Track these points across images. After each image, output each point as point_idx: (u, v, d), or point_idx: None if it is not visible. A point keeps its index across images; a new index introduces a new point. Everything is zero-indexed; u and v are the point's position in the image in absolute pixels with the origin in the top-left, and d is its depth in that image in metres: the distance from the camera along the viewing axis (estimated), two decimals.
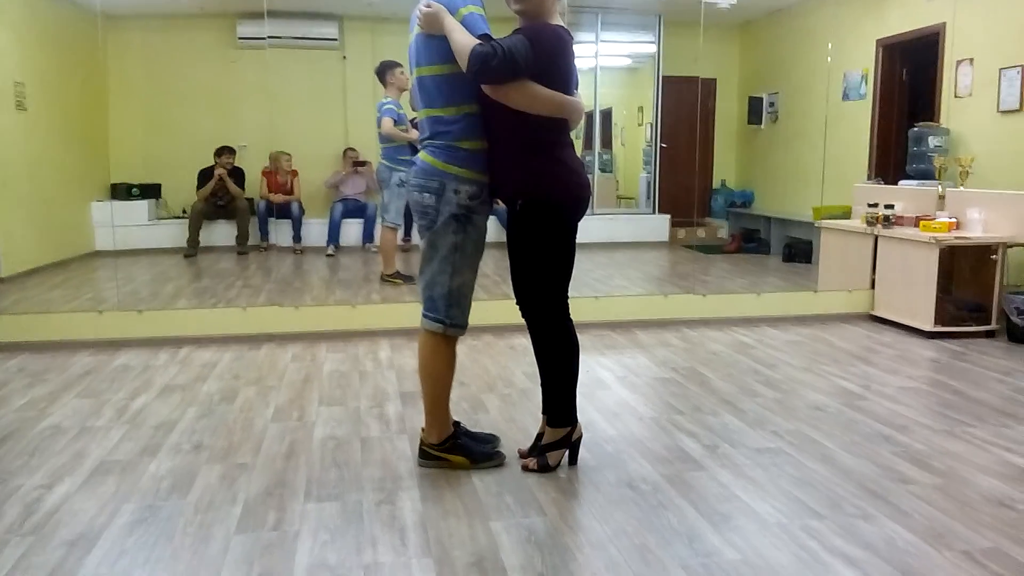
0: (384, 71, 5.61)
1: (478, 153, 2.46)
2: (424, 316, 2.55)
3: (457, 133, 2.44)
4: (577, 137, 8.94)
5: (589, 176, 8.50)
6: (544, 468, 2.60)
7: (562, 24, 2.45)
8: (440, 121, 2.46)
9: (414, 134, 5.61)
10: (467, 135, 2.44)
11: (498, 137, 2.46)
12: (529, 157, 2.44)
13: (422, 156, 2.50)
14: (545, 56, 2.34)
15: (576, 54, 2.49)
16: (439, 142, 2.46)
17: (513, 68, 2.28)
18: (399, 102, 5.58)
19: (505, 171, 2.47)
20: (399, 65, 5.58)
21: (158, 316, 4.45)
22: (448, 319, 2.52)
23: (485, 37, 2.32)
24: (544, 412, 2.66)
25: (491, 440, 2.81)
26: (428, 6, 2.37)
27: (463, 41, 2.30)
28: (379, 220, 5.99)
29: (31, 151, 6.19)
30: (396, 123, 5.50)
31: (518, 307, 2.60)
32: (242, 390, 3.52)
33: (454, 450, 2.64)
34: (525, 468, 2.62)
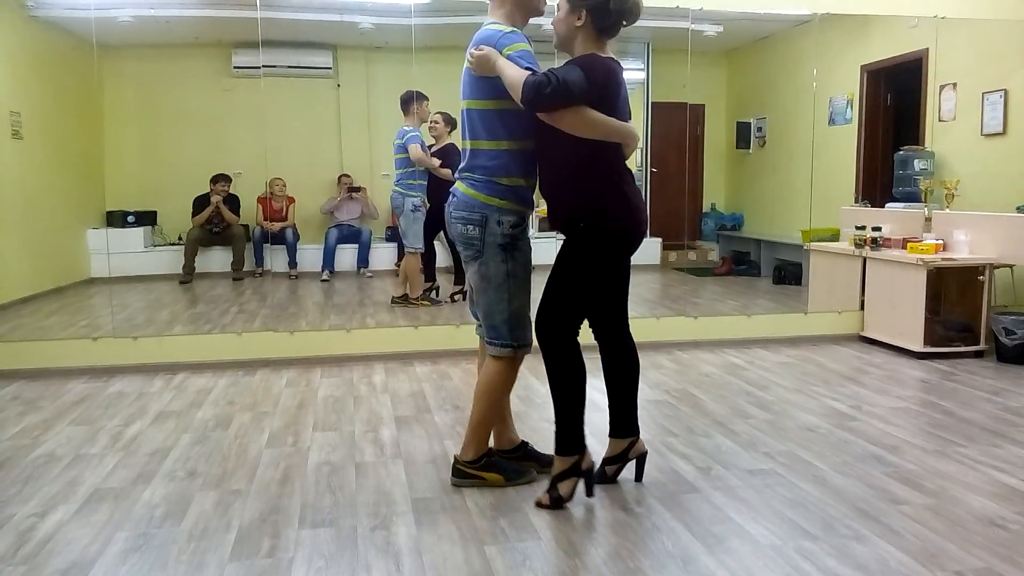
0: (410, 101, 5.75)
1: (516, 188, 2.53)
2: (490, 343, 2.60)
3: (496, 168, 2.51)
4: None
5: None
6: (557, 502, 2.52)
7: (612, 56, 2.52)
8: (481, 155, 2.53)
9: (436, 161, 5.71)
10: (506, 171, 2.51)
11: (557, 165, 2.51)
12: (590, 182, 2.49)
13: (463, 189, 2.56)
14: (598, 84, 2.40)
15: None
16: (479, 176, 2.53)
17: (567, 94, 2.35)
18: (420, 131, 5.71)
19: (566, 196, 2.52)
20: (426, 99, 5.79)
21: (153, 343, 4.45)
22: (515, 342, 2.59)
23: (531, 71, 2.39)
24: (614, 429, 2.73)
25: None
26: (480, 48, 2.45)
27: (514, 75, 2.37)
28: (373, 246, 6.04)
29: (27, 179, 6.21)
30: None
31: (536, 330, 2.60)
32: (237, 416, 3.53)
33: (489, 468, 2.69)
34: (538, 504, 2.54)
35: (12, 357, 4.27)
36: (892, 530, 2.35)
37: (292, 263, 7.39)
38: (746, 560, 2.17)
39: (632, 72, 8.77)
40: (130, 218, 7.35)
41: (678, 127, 7.96)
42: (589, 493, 2.61)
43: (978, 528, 2.36)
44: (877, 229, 5.05)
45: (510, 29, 2.50)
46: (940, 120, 5.77)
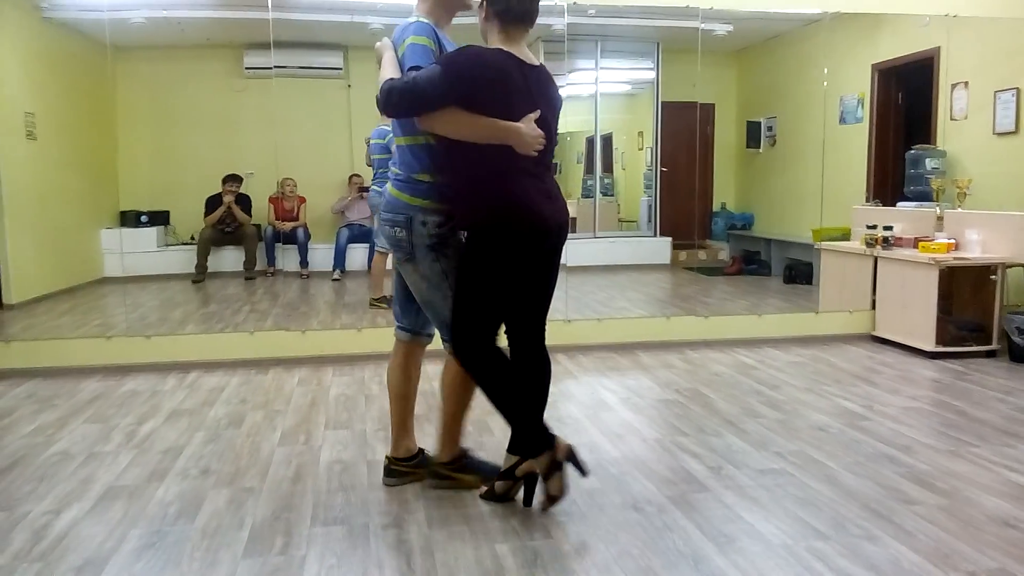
0: None
1: (439, 185, 2.45)
2: (445, 342, 2.57)
3: (415, 166, 2.45)
4: (579, 162, 9.03)
5: (588, 199, 8.60)
6: (552, 500, 2.47)
7: (503, 48, 2.38)
8: (403, 152, 2.49)
9: None
10: (426, 167, 2.44)
11: (446, 164, 2.42)
12: (473, 182, 2.37)
13: (389, 189, 2.52)
14: (462, 81, 2.27)
15: (529, 78, 2.40)
16: (403, 175, 2.48)
17: (417, 99, 2.27)
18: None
19: (455, 196, 2.42)
20: None
21: (166, 341, 4.48)
22: None
23: (414, 69, 2.30)
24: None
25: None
26: (382, 42, 2.45)
27: (382, 76, 2.36)
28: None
29: (41, 180, 6.27)
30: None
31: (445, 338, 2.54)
32: (249, 414, 3.55)
33: (465, 469, 2.66)
34: (548, 503, 2.50)
35: (27, 356, 4.30)
36: (904, 530, 2.34)
37: (303, 263, 7.42)
38: (757, 560, 2.17)
39: (642, 72, 8.77)
40: (143, 218, 7.41)
41: (688, 127, 7.96)
42: (583, 473, 2.47)
43: (991, 528, 2.35)
44: (889, 228, 5.03)
45: (415, 20, 2.42)
46: (952, 119, 5.74)
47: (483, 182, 2.37)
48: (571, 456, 2.45)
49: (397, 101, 2.30)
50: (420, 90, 2.26)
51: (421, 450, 2.78)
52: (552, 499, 2.47)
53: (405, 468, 2.72)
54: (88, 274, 6.88)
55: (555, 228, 2.47)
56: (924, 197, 5.43)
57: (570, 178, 9.08)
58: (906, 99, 6.60)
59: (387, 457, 2.75)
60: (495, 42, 2.42)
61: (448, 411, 2.63)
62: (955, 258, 4.58)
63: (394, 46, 2.43)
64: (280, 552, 2.23)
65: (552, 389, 3.86)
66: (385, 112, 2.34)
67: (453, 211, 2.45)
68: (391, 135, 2.55)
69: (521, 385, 2.52)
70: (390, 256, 2.67)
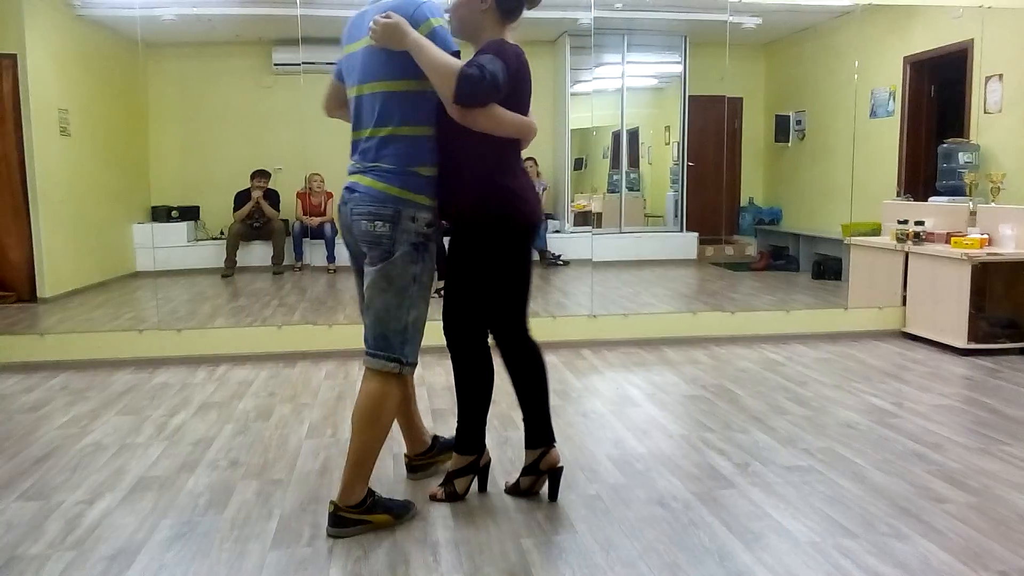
0: None
1: (432, 180, 2.30)
2: (372, 356, 2.29)
3: (414, 158, 2.26)
4: (605, 157, 8.99)
5: (614, 195, 8.57)
6: (451, 496, 2.52)
7: (515, 44, 2.35)
8: (397, 142, 2.24)
9: None
10: (422, 160, 2.27)
11: (454, 156, 2.33)
12: (482, 180, 2.34)
13: (367, 182, 2.25)
14: (513, 76, 2.25)
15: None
16: (389, 166, 2.24)
17: (496, 92, 2.20)
18: None
19: (461, 189, 2.34)
20: None
21: (196, 335, 4.55)
22: (404, 357, 2.30)
23: (456, 55, 2.20)
24: (456, 437, 2.57)
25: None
26: (387, 16, 2.15)
27: (443, 60, 2.14)
28: None
29: (75, 175, 6.38)
30: None
31: (445, 332, 2.50)
32: (277, 407, 3.59)
33: (375, 509, 2.34)
34: (432, 497, 2.53)
35: (61, 348, 4.39)
36: (934, 529, 2.31)
37: (331, 257, 7.47)
38: (784, 557, 2.15)
39: (669, 66, 8.71)
40: (174, 213, 7.53)
41: (715, 121, 7.90)
42: (481, 488, 2.60)
43: (1023, 527, 2.32)
44: (920, 223, 4.95)
45: None
46: (986, 112, 5.64)
47: (493, 177, 2.35)
48: (486, 468, 2.60)
49: (484, 91, 2.16)
50: (497, 85, 2.18)
51: (435, 437, 2.78)
52: (451, 495, 2.53)
53: (422, 462, 2.74)
54: (120, 268, 7.00)
55: (541, 220, 2.55)
56: (957, 192, 5.34)
57: (596, 173, 9.05)
58: (939, 92, 6.50)
59: (405, 455, 2.77)
60: (496, 33, 2.33)
61: (362, 444, 2.30)
62: (988, 253, 4.50)
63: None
64: (307, 544, 2.26)
65: (577, 384, 3.89)
66: (459, 101, 2.16)
67: (452, 207, 2.36)
68: None
69: (491, 387, 2.55)
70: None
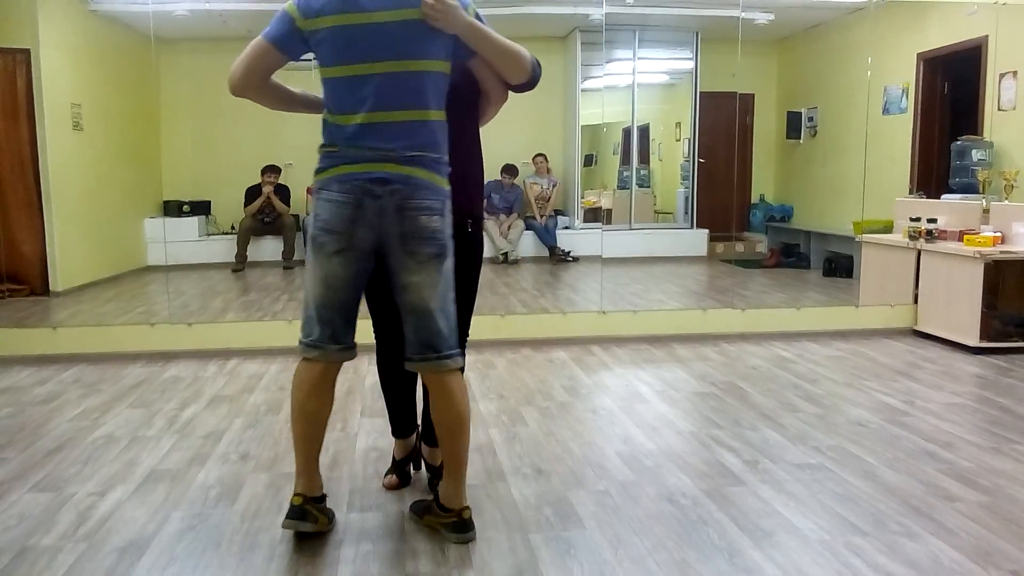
0: None
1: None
2: (458, 355, 2.21)
3: (443, 145, 2.15)
4: (615, 153, 8.98)
5: (624, 191, 8.59)
6: (406, 480, 2.65)
7: None
8: (431, 128, 2.11)
9: None
10: (445, 147, 2.17)
11: (469, 154, 2.34)
12: (479, 172, 2.40)
13: (421, 173, 2.09)
14: None
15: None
16: (434, 155, 2.11)
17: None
18: None
19: (471, 188, 2.36)
20: None
21: (207, 329, 4.57)
22: (462, 347, 2.28)
23: None
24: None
25: None
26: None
27: (510, 42, 2.12)
28: None
29: (87, 170, 6.41)
30: None
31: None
32: (287, 401, 3.59)
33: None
34: (389, 487, 2.60)
35: (73, 342, 4.41)
36: (945, 528, 2.30)
37: None
38: (794, 555, 2.15)
39: (681, 62, 8.68)
40: (185, 208, 7.56)
41: (727, 117, 7.87)
42: (416, 467, 2.70)
43: None
44: (933, 221, 4.93)
45: None
46: (1000, 109, 5.60)
47: (481, 171, 2.41)
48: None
49: (539, 75, 2.20)
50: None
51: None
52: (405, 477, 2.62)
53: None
54: (132, 262, 7.03)
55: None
56: (970, 189, 5.31)
57: (606, 169, 9.03)
58: (952, 89, 6.46)
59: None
60: None
61: (466, 446, 2.27)
62: (1001, 251, 4.47)
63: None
64: (317, 537, 2.26)
65: (587, 381, 3.89)
66: (532, 84, 2.18)
67: (463, 200, 2.30)
68: None
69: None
70: None
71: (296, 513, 2.20)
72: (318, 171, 2.15)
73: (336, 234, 2.09)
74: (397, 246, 2.10)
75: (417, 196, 2.08)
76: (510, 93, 2.34)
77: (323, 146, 2.15)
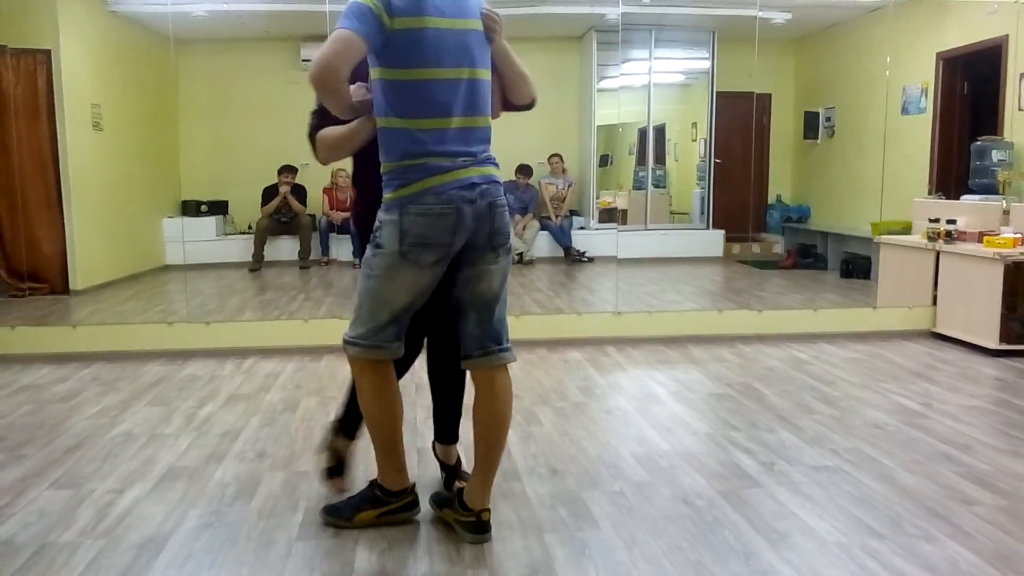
0: None
1: None
2: (509, 350, 2.27)
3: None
4: (631, 153, 8.96)
5: (639, 191, 8.58)
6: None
7: None
8: (487, 132, 2.23)
9: None
10: None
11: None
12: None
13: (495, 172, 2.22)
14: None
15: None
16: (493, 156, 2.25)
17: None
18: None
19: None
20: None
21: (224, 328, 4.60)
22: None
23: None
24: (452, 437, 2.61)
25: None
26: (497, 13, 2.22)
27: (524, 67, 2.28)
28: None
29: (107, 170, 6.47)
30: None
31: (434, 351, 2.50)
32: (303, 400, 3.62)
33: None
34: (340, 490, 2.55)
35: (92, 340, 4.46)
36: (963, 531, 2.28)
37: (356, 252, 7.52)
38: (810, 557, 2.14)
39: (697, 61, 8.65)
40: (203, 208, 7.62)
41: (743, 117, 7.82)
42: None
43: None
44: (952, 222, 4.88)
45: None
46: (1020, 109, 5.53)
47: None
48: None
49: (535, 101, 2.36)
50: None
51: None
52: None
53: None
54: (151, 262, 7.10)
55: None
56: (990, 190, 5.26)
57: (622, 169, 9.01)
58: (972, 89, 6.39)
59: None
60: None
61: (504, 443, 2.36)
62: (1021, 253, 4.42)
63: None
64: (333, 535, 2.28)
65: (601, 381, 3.88)
66: (529, 108, 2.38)
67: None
68: None
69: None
70: None
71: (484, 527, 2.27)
72: (401, 186, 2.10)
73: (437, 246, 2.11)
74: (485, 243, 2.17)
75: (499, 194, 2.20)
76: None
77: (403, 159, 2.10)
